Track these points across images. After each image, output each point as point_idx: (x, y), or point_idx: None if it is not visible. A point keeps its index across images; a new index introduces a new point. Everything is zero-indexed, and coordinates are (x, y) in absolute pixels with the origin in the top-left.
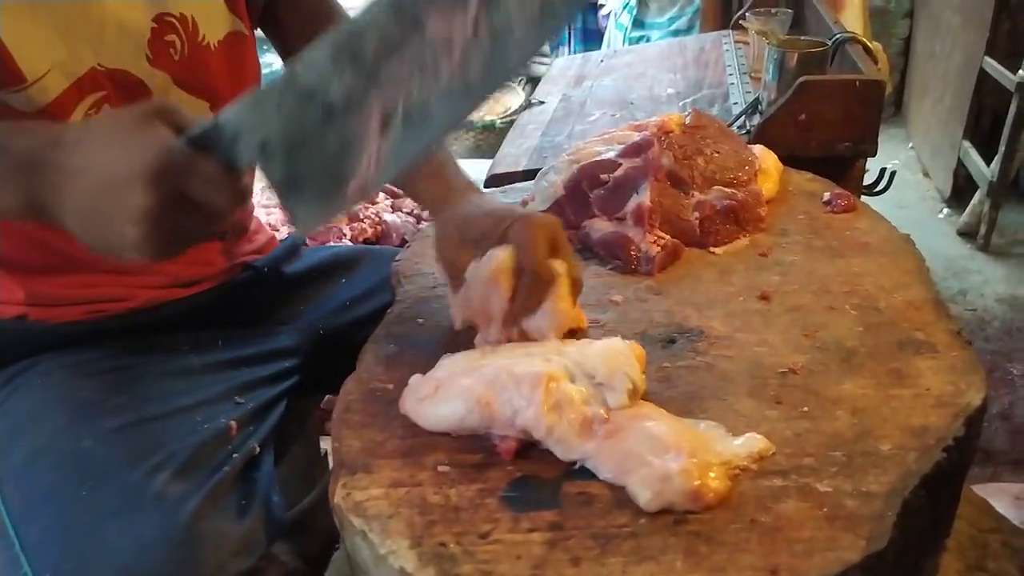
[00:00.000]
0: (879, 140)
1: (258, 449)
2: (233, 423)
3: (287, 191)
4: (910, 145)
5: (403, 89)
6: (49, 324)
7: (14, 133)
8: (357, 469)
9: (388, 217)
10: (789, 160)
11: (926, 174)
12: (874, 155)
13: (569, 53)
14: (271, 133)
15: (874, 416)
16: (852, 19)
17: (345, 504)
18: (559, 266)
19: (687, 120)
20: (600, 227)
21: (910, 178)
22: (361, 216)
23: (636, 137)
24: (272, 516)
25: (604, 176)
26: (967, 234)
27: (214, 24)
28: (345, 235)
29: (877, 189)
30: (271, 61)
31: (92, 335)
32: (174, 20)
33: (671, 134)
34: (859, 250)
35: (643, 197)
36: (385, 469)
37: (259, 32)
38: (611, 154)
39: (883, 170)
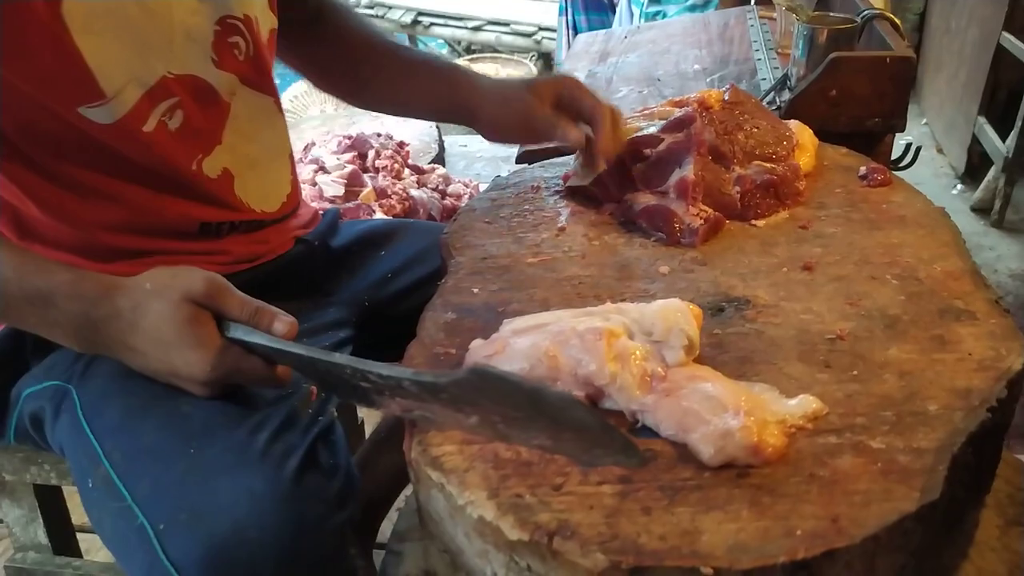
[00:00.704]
0: None
1: (336, 414)
2: (313, 388)
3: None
4: (924, 121)
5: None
6: None
7: (66, 295)
8: (429, 427)
9: (415, 193)
10: (819, 135)
11: (940, 150)
12: (903, 130)
13: (577, 22)
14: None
15: (920, 379)
16: None
17: (422, 459)
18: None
19: (726, 96)
20: (643, 200)
21: (924, 154)
22: (389, 193)
23: (678, 112)
24: (353, 474)
25: (647, 151)
26: (981, 210)
27: (264, 23)
28: (375, 211)
29: (902, 164)
30: None
31: None
32: (237, 22)
33: (711, 110)
34: (896, 223)
35: (686, 171)
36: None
37: None
38: (653, 129)
39: (908, 145)
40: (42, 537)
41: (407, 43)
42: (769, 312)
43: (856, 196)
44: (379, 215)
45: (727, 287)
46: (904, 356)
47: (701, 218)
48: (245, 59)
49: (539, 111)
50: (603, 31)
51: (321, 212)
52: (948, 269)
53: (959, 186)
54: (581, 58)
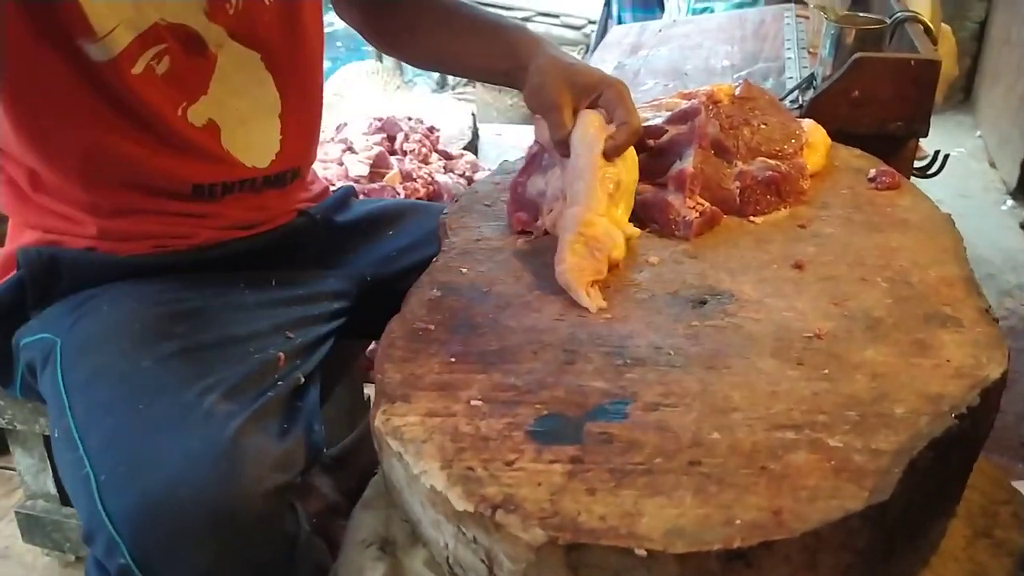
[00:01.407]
0: (945, 126)
1: (303, 380)
2: (281, 355)
3: None
4: (978, 133)
5: None
6: (118, 256)
7: None
8: (396, 398)
9: (440, 178)
10: (840, 136)
11: (992, 164)
12: (926, 135)
13: (622, 18)
14: None
15: (892, 382)
16: (919, 1)
17: (384, 428)
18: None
19: (737, 91)
20: (641, 190)
21: (975, 167)
22: (414, 176)
23: (684, 104)
24: (311, 441)
25: (650, 141)
26: None
27: None
28: (399, 194)
29: (929, 172)
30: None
31: (157, 268)
32: None
33: (720, 104)
34: (898, 226)
35: (686, 163)
36: (422, 400)
37: None
38: (658, 120)
39: (937, 152)
40: (51, 487)
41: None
42: (751, 308)
43: (862, 198)
44: (402, 197)
45: (713, 280)
46: (880, 358)
47: (697, 211)
48: (235, 13)
49: (559, 97)
50: (639, 24)
51: (334, 190)
52: (942, 275)
53: (1009, 202)
54: (612, 49)
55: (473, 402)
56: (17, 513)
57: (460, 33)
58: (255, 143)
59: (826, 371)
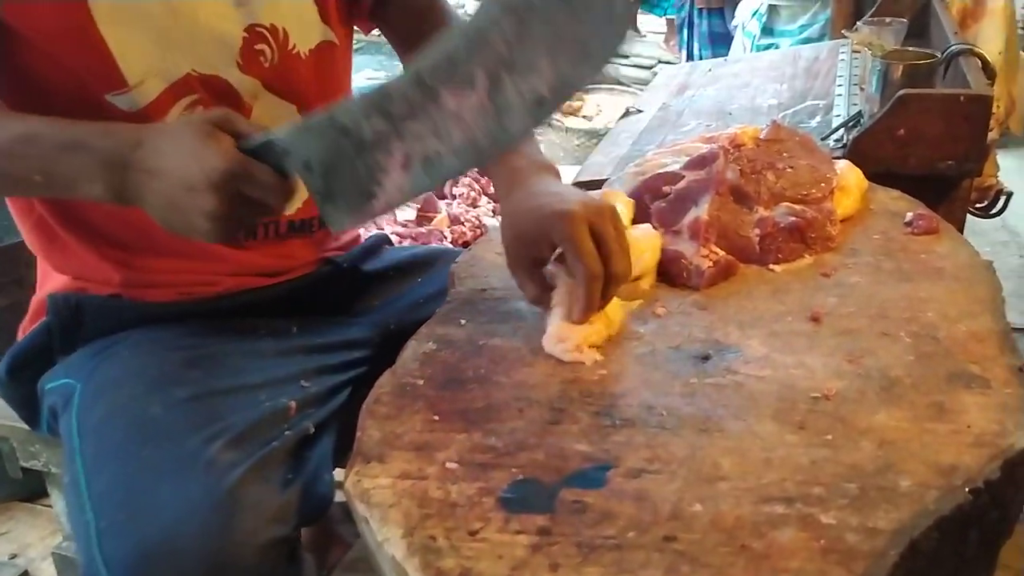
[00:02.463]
0: (1019, 164)
1: (312, 429)
2: (293, 403)
3: (323, 200)
4: None
5: (421, 143)
6: (142, 303)
7: (99, 135)
8: (372, 458)
9: (489, 221)
10: (886, 177)
11: None
12: (979, 175)
13: (702, 55)
14: (313, 154)
15: (901, 450)
16: (992, 29)
17: (354, 490)
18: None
19: (763, 133)
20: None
21: None
22: (462, 220)
23: (703, 149)
24: (315, 492)
25: (666, 188)
26: None
27: (306, 34)
28: (446, 237)
29: (992, 212)
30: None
31: (180, 314)
32: (264, 31)
33: (743, 147)
34: (930, 275)
35: (701, 211)
36: (398, 460)
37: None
38: (676, 166)
39: (999, 192)
40: None
41: None
42: (756, 364)
43: (894, 244)
44: (449, 242)
45: (721, 334)
46: (891, 423)
47: (710, 260)
48: (270, 66)
49: (513, 262)
50: (689, 63)
51: (365, 239)
52: (973, 329)
53: None
54: (659, 91)
55: (448, 464)
56: (54, 554)
57: None
58: None
59: (829, 437)
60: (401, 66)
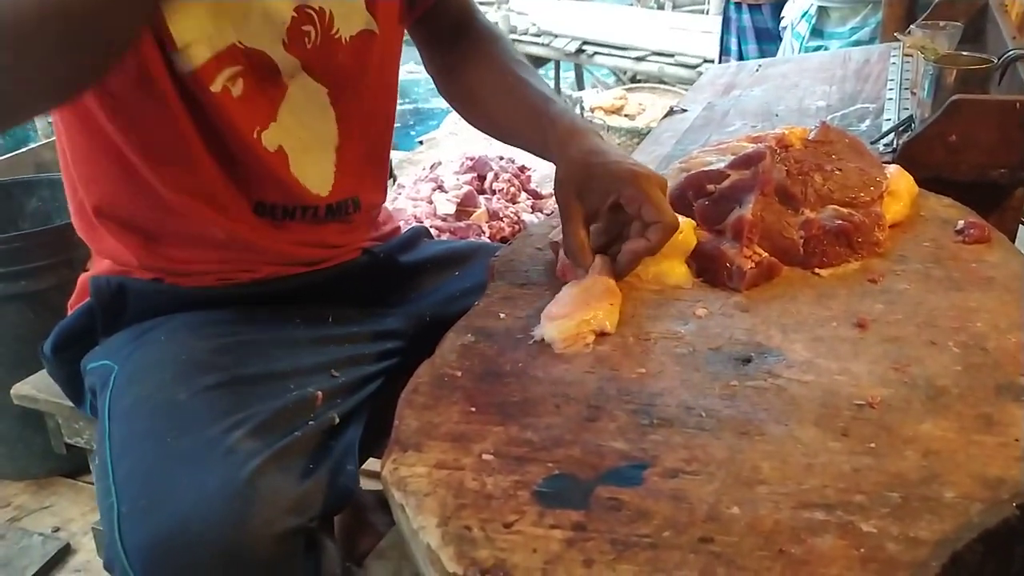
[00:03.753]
0: None
1: (337, 420)
2: (320, 393)
3: None
4: None
5: None
6: (181, 288)
7: None
8: (409, 447)
9: (527, 217)
10: (937, 184)
11: None
12: None
13: (746, 52)
14: None
15: (947, 461)
16: None
17: (391, 478)
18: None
19: (811, 134)
20: (698, 237)
21: None
22: (501, 215)
23: (749, 148)
24: (338, 483)
25: (711, 187)
26: None
27: (349, 20)
28: (484, 233)
29: None
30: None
31: (219, 300)
32: (312, 12)
33: (791, 148)
34: (981, 284)
35: (745, 210)
36: (434, 450)
37: None
38: (721, 164)
39: None
40: None
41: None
42: (799, 369)
43: (944, 252)
44: (487, 238)
45: (764, 337)
46: (937, 433)
47: (752, 261)
48: (312, 48)
49: (569, 207)
50: (736, 63)
51: (404, 231)
52: None
53: None
54: (704, 90)
55: (484, 456)
56: (94, 529)
57: (509, 108)
58: (313, 172)
59: (872, 445)
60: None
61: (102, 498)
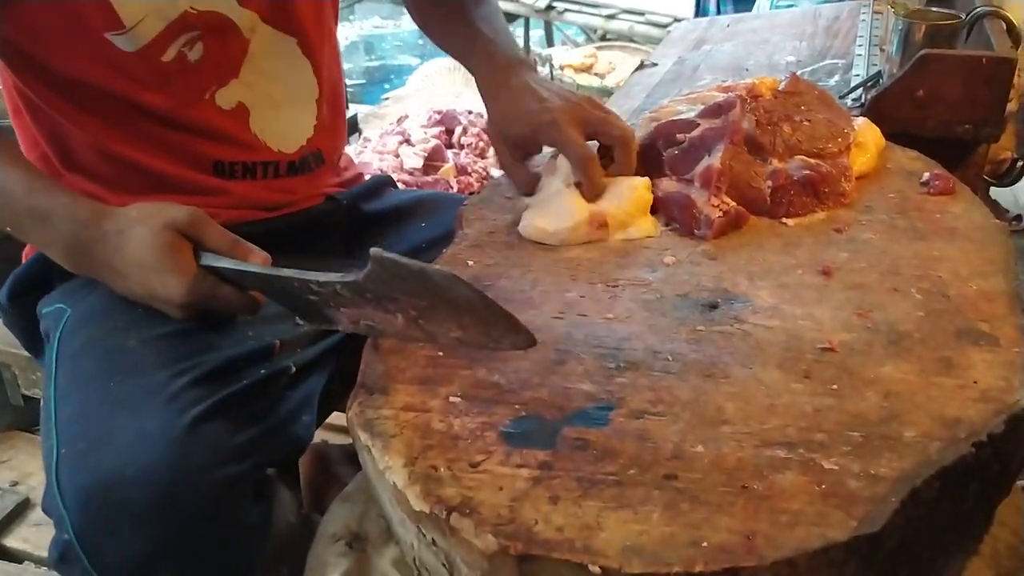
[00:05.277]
0: None
1: (294, 369)
2: (278, 342)
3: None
4: None
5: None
6: None
7: (63, 216)
8: (375, 390)
9: (496, 172)
10: (902, 138)
11: None
12: (997, 140)
13: (722, 10)
14: (270, 293)
15: (906, 402)
16: None
17: (357, 420)
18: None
19: (782, 85)
20: (666, 187)
21: None
22: (469, 170)
23: (720, 98)
24: (291, 432)
25: (680, 136)
26: None
27: None
28: (452, 187)
29: (1006, 181)
30: None
31: None
32: None
33: (760, 98)
34: (944, 234)
35: (714, 159)
36: (401, 394)
37: None
38: (691, 114)
39: (1015, 160)
40: None
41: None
42: (765, 314)
43: (909, 203)
44: (454, 190)
45: (730, 284)
46: (898, 375)
47: (720, 210)
48: None
49: (565, 128)
50: (707, 18)
51: (368, 178)
52: (984, 289)
53: None
54: (675, 45)
55: (452, 398)
56: None
57: (451, 23)
58: (285, 128)
59: (834, 386)
60: (408, 15)
61: (44, 441)
